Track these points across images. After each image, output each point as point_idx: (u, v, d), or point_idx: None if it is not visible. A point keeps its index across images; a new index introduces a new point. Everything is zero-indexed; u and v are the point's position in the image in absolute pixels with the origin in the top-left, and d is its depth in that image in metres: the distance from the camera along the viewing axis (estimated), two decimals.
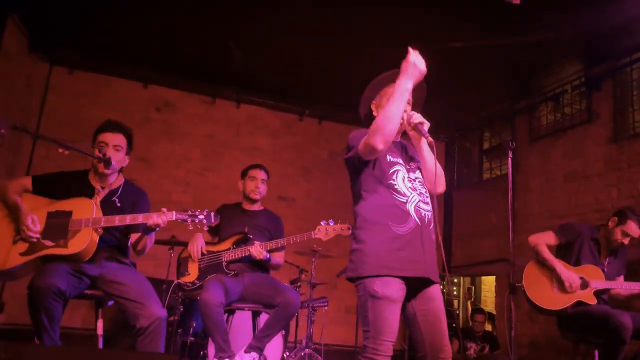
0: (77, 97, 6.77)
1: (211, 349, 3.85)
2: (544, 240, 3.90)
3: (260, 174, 4.06)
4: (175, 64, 6.66)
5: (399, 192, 2.38)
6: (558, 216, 6.01)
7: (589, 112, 6.08)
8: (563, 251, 3.94)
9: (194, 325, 4.72)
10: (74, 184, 3.03)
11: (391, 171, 2.43)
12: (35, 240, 2.78)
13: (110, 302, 3.00)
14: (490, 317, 7.46)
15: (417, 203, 2.38)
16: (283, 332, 4.56)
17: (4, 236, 2.82)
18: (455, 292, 7.69)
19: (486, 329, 6.88)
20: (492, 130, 7.88)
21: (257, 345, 3.61)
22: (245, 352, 3.60)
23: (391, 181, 2.40)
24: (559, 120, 6.54)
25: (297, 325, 5.47)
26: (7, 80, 5.90)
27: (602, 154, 5.80)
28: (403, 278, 2.27)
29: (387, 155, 2.47)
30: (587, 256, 3.84)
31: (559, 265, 3.79)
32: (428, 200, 2.44)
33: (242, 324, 4.43)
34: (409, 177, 2.45)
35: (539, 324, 6.17)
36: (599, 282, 3.74)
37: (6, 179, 5.89)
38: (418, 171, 2.53)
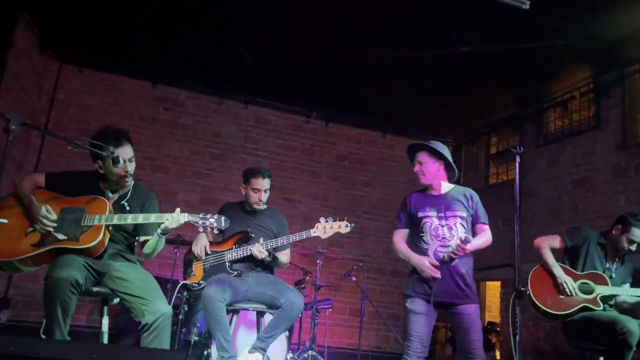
0: (87, 95, 6.83)
1: (215, 349, 3.86)
2: (549, 243, 3.90)
3: (264, 185, 3.96)
4: (185, 64, 6.70)
5: (424, 241, 3.38)
6: (565, 222, 5.99)
7: (597, 118, 6.06)
8: (570, 256, 3.93)
9: (198, 325, 4.74)
10: (86, 184, 3.07)
11: (421, 224, 3.40)
12: (50, 229, 2.81)
13: (116, 300, 3.02)
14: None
15: (435, 248, 3.33)
16: (287, 333, 4.56)
17: (16, 227, 2.86)
18: None
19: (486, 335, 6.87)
20: (500, 136, 7.86)
21: (261, 346, 3.61)
22: (249, 352, 3.61)
23: (421, 234, 3.39)
24: (567, 126, 6.52)
25: (300, 327, 5.48)
26: (18, 78, 5.95)
27: (610, 160, 5.78)
28: (427, 300, 3.28)
29: (420, 212, 3.43)
30: (594, 262, 3.83)
31: (558, 269, 3.79)
32: (448, 243, 3.30)
33: (246, 324, 4.45)
34: (438, 225, 3.36)
35: (543, 330, 6.14)
36: (604, 288, 3.72)
37: (16, 175, 5.96)
38: (451, 218, 3.36)
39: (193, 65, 6.73)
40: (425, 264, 3.27)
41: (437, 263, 3.26)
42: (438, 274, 3.23)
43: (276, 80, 6.83)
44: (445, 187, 3.53)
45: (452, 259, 3.26)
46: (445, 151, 3.49)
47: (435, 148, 3.45)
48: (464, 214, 3.38)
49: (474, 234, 3.43)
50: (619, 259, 3.88)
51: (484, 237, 3.40)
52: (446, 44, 5.44)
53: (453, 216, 3.37)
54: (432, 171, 3.47)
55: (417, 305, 3.30)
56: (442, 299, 3.28)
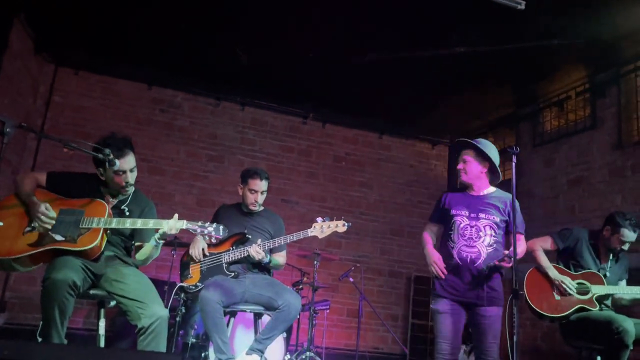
0: (83, 97, 6.81)
1: (213, 352, 3.85)
2: (541, 245, 3.91)
3: (260, 186, 3.95)
4: (181, 65, 6.68)
5: (452, 239, 3.38)
6: (561, 222, 5.99)
7: (593, 118, 6.07)
8: (564, 257, 3.94)
9: (196, 327, 4.72)
10: (87, 186, 3.08)
11: (451, 222, 3.40)
12: (47, 227, 2.82)
13: (113, 303, 3.01)
14: None
15: (460, 247, 3.32)
16: (284, 335, 4.56)
17: (14, 226, 2.87)
18: None
19: None
20: (496, 136, 7.86)
21: (259, 347, 3.61)
22: (247, 354, 3.60)
23: (449, 232, 3.40)
24: (563, 126, 6.53)
25: (298, 328, 5.47)
26: (13, 80, 5.93)
27: (606, 160, 5.79)
28: (451, 299, 3.30)
29: (452, 210, 3.42)
30: (588, 261, 3.84)
31: (552, 270, 3.80)
32: (474, 244, 3.31)
33: (243, 326, 4.44)
34: (467, 225, 3.35)
35: (541, 329, 6.15)
36: (600, 287, 3.73)
37: (11, 178, 5.94)
38: (483, 220, 3.35)
39: (189, 67, 6.72)
40: (435, 260, 3.33)
41: (444, 268, 3.31)
42: (442, 275, 3.30)
43: (273, 81, 6.82)
44: (485, 189, 3.50)
45: (497, 269, 3.30)
46: (494, 153, 3.44)
47: (483, 150, 3.39)
48: (497, 219, 3.37)
49: (508, 242, 3.40)
50: (614, 256, 3.89)
51: (520, 247, 3.37)
52: (442, 44, 5.44)
53: (485, 219, 3.37)
54: (474, 172, 3.44)
55: (441, 304, 3.32)
56: (465, 298, 3.29)
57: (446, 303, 3.30)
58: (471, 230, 3.33)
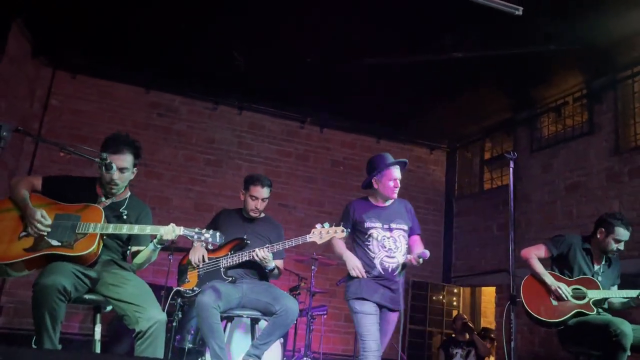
0: (80, 101, 6.79)
1: (209, 357, 3.83)
2: (535, 253, 3.91)
3: (262, 193, 3.96)
4: (178, 70, 6.68)
5: (371, 250, 3.58)
6: (559, 227, 6.00)
7: (590, 124, 6.08)
8: (558, 264, 3.94)
9: (192, 332, 4.70)
10: (82, 190, 3.06)
11: (367, 235, 3.59)
12: (43, 234, 2.79)
13: (109, 307, 2.99)
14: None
15: (382, 258, 3.55)
16: (281, 340, 4.54)
17: (9, 231, 2.84)
18: (455, 303, 7.65)
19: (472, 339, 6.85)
20: (494, 141, 7.88)
21: (255, 353, 3.59)
22: None
23: (367, 242, 3.60)
24: (560, 131, 6.55)
25: (295, 334, 5.45)
26: (10, 84, 5.91)
27: (604, 165, 5.80)
28: (375, 302, 3.49)
29: (366, 222, 3.60)
30: (582, 267, 3.84)
31: (548, 277, 3.79)
32: (394, 254, 3.56)
33: (240, 331, 4.42)
34: (384, 236, 3.57)
35: (538, 335, 6.14)
36: (596, 292, 3.73)
37: (8, 182, 5.91)
38: (395, 230, 3.60)
39: (187, 71, 6.72)
40: (357, 264, 3.50)
41: (363, 270, 3.50)
42: (364, 276, 3.49)
43: (270, 85, 6.83)
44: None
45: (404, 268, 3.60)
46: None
47: (407, 163, 3.80)
48: (405, 227, 3.68)
49: (410, 244, 3.72)
50: (606, 261, 3.89)
51: (420, 248, 3.62)
52: (440, 49, 5.45)
53: (397, 229, 3.63)
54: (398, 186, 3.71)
55: (367, 307, 3.47)
56: (384, 302, 3.52)
57: (371, 305, 3.47)
58: (389, 241, 3.58)
